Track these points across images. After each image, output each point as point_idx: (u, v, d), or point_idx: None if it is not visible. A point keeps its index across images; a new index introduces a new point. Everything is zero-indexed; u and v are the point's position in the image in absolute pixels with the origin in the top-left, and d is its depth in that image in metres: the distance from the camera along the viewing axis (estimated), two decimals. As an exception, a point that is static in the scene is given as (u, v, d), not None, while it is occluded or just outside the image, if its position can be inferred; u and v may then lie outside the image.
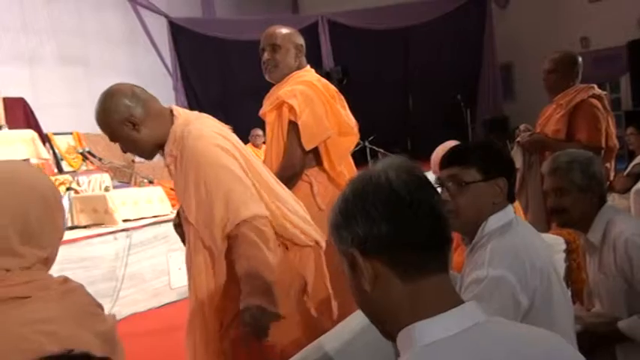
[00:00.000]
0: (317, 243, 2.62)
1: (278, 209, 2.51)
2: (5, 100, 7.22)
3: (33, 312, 1.26)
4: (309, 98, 3.24)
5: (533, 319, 1.77)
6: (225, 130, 2.54)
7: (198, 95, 11.01)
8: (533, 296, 1.81)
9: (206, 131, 2.43)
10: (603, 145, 4.05)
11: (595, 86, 4.18)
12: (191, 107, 10.91)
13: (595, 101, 4.10)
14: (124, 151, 2.55)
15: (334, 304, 2.67)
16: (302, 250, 2.59)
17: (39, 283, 1.32)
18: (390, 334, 1.12)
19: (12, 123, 7.06)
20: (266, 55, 3.32)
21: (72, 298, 1.35)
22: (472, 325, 1.06)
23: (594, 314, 2.55)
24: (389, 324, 1.12)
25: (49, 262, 1.39)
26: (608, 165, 4.16)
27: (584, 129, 4.05)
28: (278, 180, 2.69)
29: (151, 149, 2.48)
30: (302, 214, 2.63)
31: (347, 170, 3.43)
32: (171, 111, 2.53)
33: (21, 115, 7.88)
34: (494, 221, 1.94)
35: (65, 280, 1.37)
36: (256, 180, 2.47)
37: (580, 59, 4.26)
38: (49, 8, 9.26)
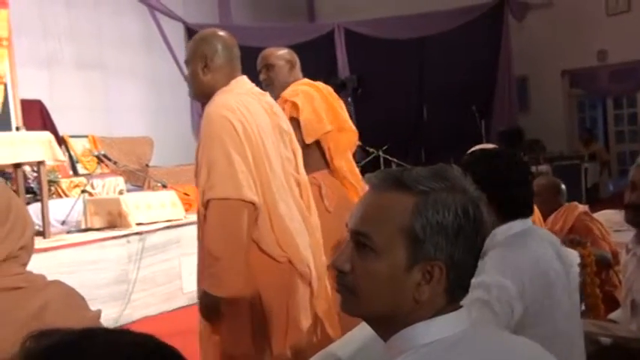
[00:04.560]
0: (290, 262, 2.57)
1: (269, 213, 2.50)
2: (22, 101, 7.29)
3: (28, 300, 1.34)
4: (309, 95, 3.46)
5: (530, 329, 1.76)
6: (258, 112, 2.57)
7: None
8: (530, 306, 1.80)
9: (229, 102, 2.50)
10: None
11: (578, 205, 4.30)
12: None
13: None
14: (186, 80, 2.72)
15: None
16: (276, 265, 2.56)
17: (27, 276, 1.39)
18: (387, 334, 1.17)
19: (28, 124, 7.11)
20: (262, 76, 3.55)
21: (57, 289, 1.41)
22: (460, 332, 1.12)
23: (625, 329, 2.48)
24: (398, 326, 1.14)
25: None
26: None
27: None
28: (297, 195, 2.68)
29: (200, 93, 2.64)
30: (297, 232, 2.59)
31: (347, 167, 3.57)
32: (237, 79, 2.62)
33: (37, 117, 7.96)
34: (504, 229, 1.92)
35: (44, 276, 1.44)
36: (259, 171, 2.48)
37: (563, 187, 4.38)
38: (69, 13, 9.35)
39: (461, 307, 1.16)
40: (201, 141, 2.50)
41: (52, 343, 0.74)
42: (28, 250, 1.40)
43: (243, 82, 2.66)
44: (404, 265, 1.11)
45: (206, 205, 2.43)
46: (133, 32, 10.34)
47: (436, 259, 1.11)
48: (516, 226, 1.93)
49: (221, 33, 2.68)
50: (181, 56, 11.02)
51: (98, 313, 1.48)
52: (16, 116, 7.14)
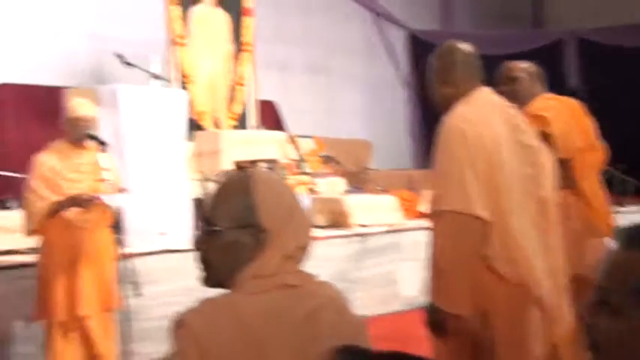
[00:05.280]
0: (522, 284, 2.42)
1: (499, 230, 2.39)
2: (259, 102, 7.85)
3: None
4: (559, 110, 3.34)
5: None
6: (497, 125, 2.49)
7: (432, 108, 11.02)
8: None
9: (466, 114, 2.47)
10: None
11: None
12: (424, 121, 10.96)
13: None
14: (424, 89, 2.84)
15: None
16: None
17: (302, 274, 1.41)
18: None
19: (262, 124, 7.64)
20: (504, 87, 3.42)
21: (328, 290, 1.43)
22: None
23: None
24: None
25: None
26: None
27: None
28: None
29: (440, 105, 2.63)
30: (532, 252, 2.45)
31: (593, 188, 3.39)
32: (478, 90, 2.60)
33: (270, 117, 8.50)
34: None
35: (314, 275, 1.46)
36: (491, 186, 2.39)
37: None
38: (301, 20, 9.88)
39: None
40: (436, 150, 2.50)
41: None
42: (305, 250, 1.43)
43: (483, 93, 2.60)
44: None
45: (435, 215, 2.42)
46: (357, 39, 10.66)
47: None
48: None
49: (461, 45, 2.65)
50: (402, 62, 11.17)
51: (362, 318, 1.48)
52: (253, 116, 7.71)
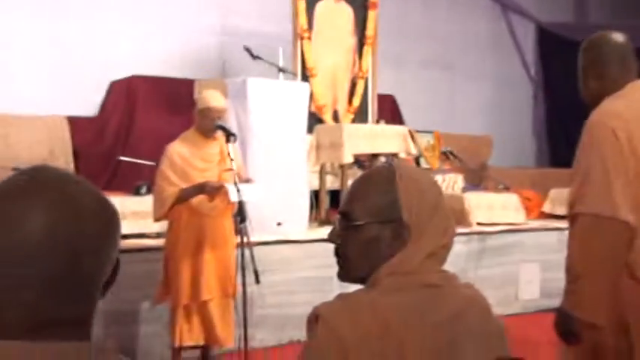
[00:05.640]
0: None
1: None
2: (378, 96, 7.82)
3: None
4: None
5: None
6: None
7: (560, 105, 10.54)
8: None
9: (616, 109, 2.30)
10: None
11: None
12: (550, 117, 10.51)
13: None
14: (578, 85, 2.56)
15: None
16: None
17: (446, 274, 1.36)
18: None
19: (381, 118, 7.59)
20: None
21: (471, 292, 1.38)
22: None
23: None
24: None
25: None
26: None
27: None
28: None
29: (589, 101, 2.46)
30: None
31: None
32: (632, 83, 2.42)
33: (389, 111, 8.45)
34: None
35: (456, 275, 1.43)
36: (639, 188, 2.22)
37: None
38: (424, 14, 9.74)
39: None
40: (579, 147, 2.34)
41: None
42: (447, 248, 1.38)
43: (637, 87, 2.42)
44: None
45: (574, 217, 2.27)
46: (481, 32, 10.38)
47: None
48: None
49: (611, 35, 2.47)
50: (529, 56, 10.76)
51: (504, 322, 1.42)
52: (372, 109, 7.68)
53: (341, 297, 1.28)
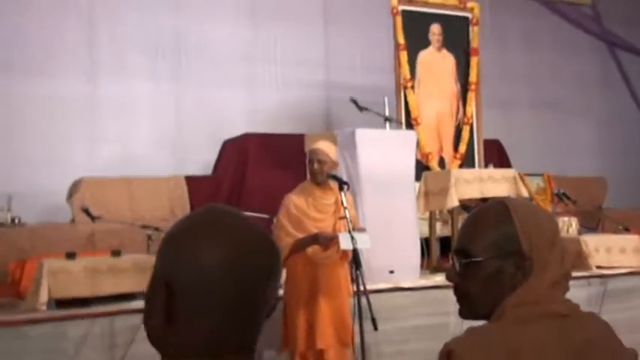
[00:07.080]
0: None
1: None
2: (484, 141, 7.77)
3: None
4: None
5: None
6: None
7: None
8: None
9: None
10: None
11: None
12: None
13: None
14: None
15: None
16: None
17: (570, 304, 1.34)
18: None
19: (488, 162, 7.52)
20: None
21: (598, 322, 1.36)
22: None
23: None
24: None
25: None
26: None
27: None
28: None
29: None
30: None
31: None
32: None
33: (496, 155, 8.35)
34: None
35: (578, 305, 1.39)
36: None
37: None
38: (526, 56, 9.67)
39: None
40: None
41: None
42: (568, 277, 1.38)
43: None
44: None
45: None
46: (589, 71, 10.16)
47: None
48: None
49: None
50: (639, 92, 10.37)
51: (634, 352, 1.41)
52: (478, 154, 7.64)
53: (470, 331, 1.29)
